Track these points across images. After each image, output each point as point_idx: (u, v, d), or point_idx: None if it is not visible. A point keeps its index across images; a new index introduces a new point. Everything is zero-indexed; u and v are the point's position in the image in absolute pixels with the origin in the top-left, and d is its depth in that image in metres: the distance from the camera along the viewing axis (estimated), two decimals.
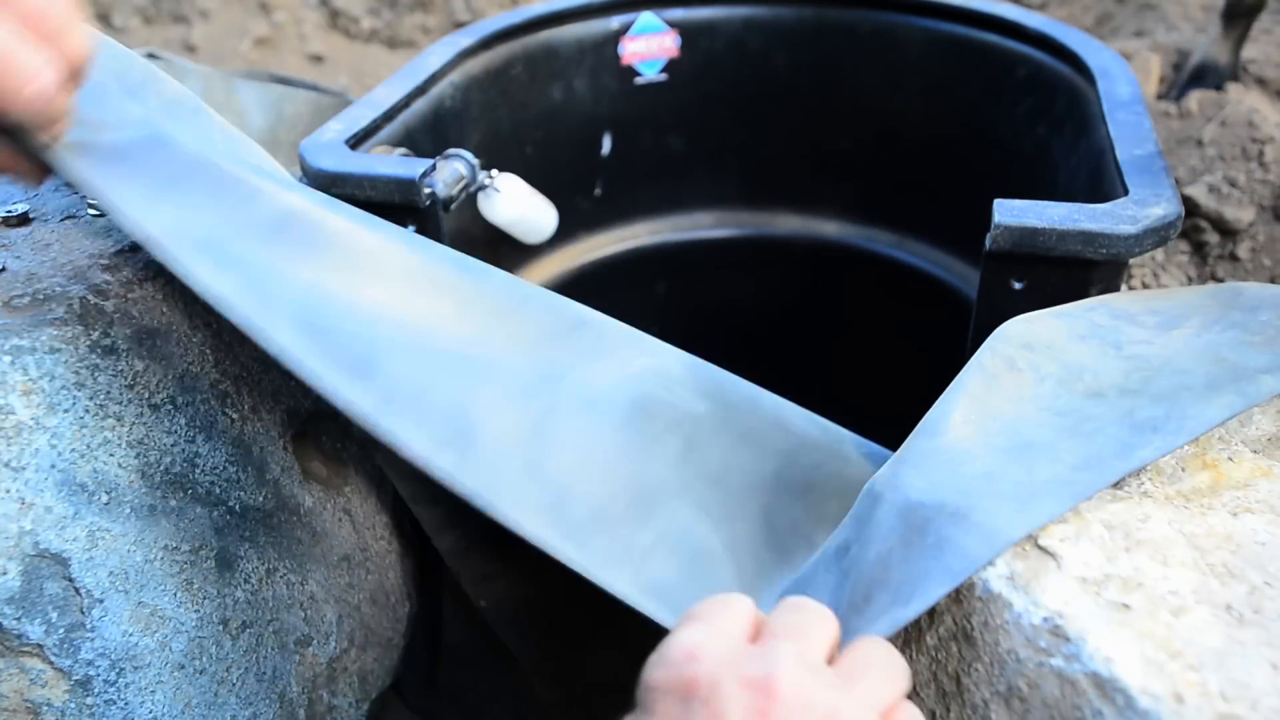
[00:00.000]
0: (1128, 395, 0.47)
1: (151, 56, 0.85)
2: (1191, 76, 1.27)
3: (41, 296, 0.48)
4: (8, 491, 0.44)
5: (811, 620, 0.37)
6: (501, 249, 0.94)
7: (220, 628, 0.53)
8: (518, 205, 0.81)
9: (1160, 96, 1.32)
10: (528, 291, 0.52)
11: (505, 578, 0.71)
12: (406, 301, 0.49)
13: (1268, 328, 0.50)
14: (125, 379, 0.49)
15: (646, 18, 0.99)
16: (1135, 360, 0.50)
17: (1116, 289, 0.59)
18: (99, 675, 0.47)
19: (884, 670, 0.36)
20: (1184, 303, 0.55)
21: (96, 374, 0.48)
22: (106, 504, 0.48)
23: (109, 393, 0.48)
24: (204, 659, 0.52)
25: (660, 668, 0.34)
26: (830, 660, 0.36)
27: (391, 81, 0.79)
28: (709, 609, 0.37)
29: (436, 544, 0.69)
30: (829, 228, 1.09)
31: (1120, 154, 0.64)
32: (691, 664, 0.33)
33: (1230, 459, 0.46)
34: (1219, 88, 1.23)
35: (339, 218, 0.50)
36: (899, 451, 0.47)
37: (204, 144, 0.51)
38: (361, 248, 0.49)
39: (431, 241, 0.53)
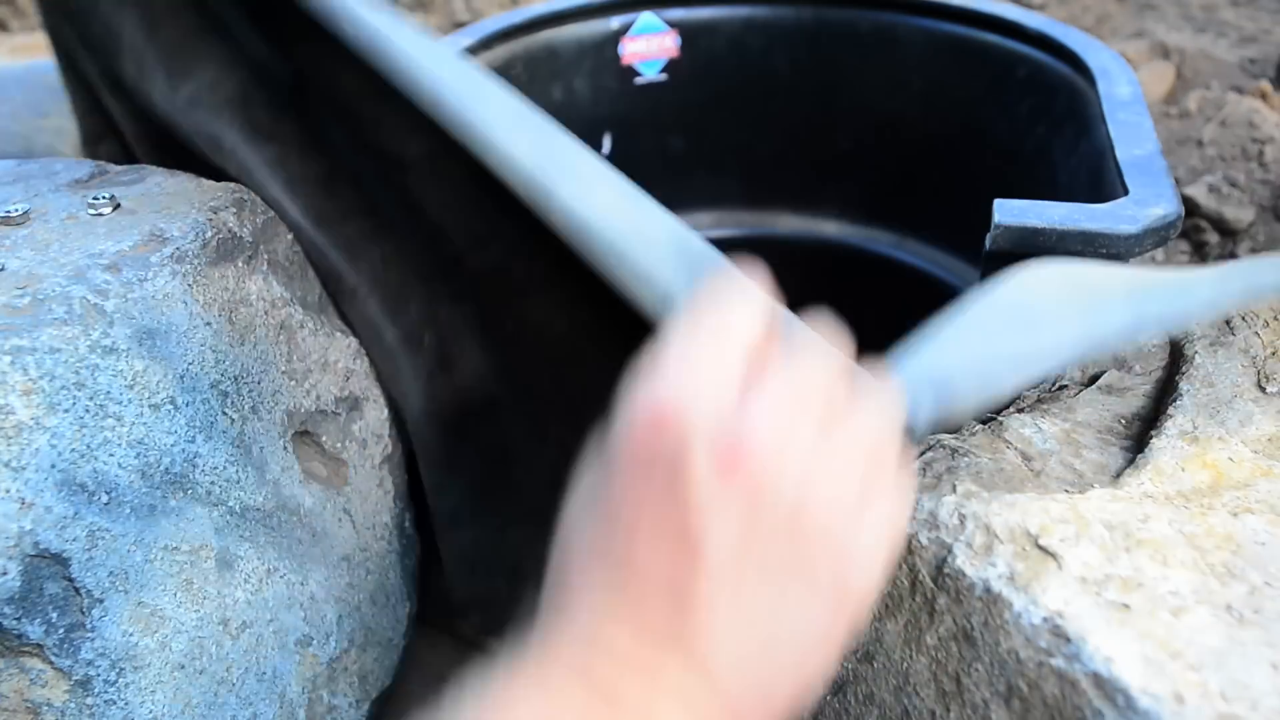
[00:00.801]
0: (1135, 299, 0.47)
1: None
2: None
3: (41, 296, 0.48)
4: (8, 491, 0.44)
5: (820, 352, 0.33)
6: None
7: (220, 628, 0.53)
8: None
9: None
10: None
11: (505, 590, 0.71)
12: None
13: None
14: (125, 379, 0.49)
15: (646, 18, 0.99)
16: (1143, 273, 0.50)
17: None
18: (99, 675, 0.47)
19: (873, 409, 0.32)
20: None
21: (96, 374, 0.48)
22: (106, 504, 0.47)
23: (109, 393, 0.48)
24: (204, 659, 0.52)
25: (627, 428, 0.30)
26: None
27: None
28: (706, 319, 0.31)
29: (441, 543, 0.69)
30: (829, 228, 1.09)
31: (1120, 154, 0.64)
32: (658, 431, 0.29)
33: (1230, 459, 0.46)
34: None
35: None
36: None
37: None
38: None
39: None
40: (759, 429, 0.29)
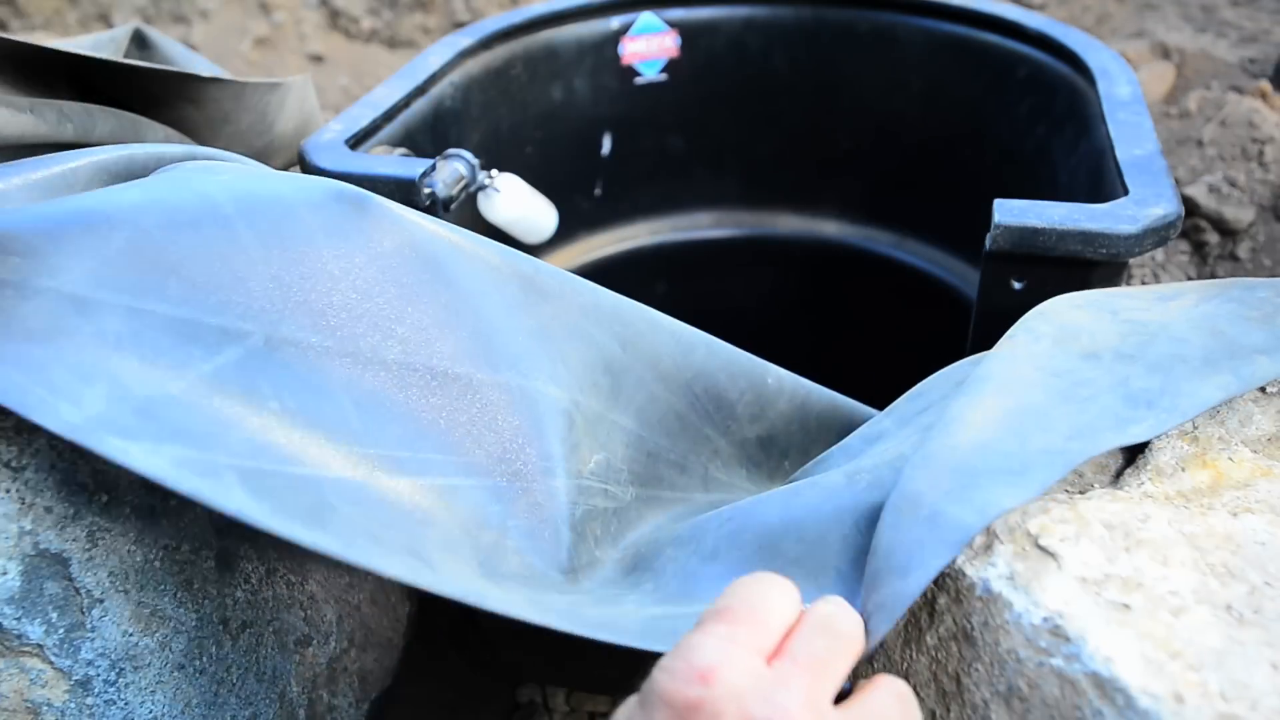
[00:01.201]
0: (1123, 360, 0.47)
1: (139, 38, 0.84)
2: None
3: None
4: (8, 491, 0.44)
5: (838, 649, 0.36)
6: None
7: (220, 628, 0.53)
8: (518, 205, 0.81)
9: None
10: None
11: None
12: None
13: (1265, 304, 0.50)
14: None
15: (646, 18, 0.99)
16: (1131, 324, 0.49)
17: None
18: (99, 675, 0.47)
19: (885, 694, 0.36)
20: (1182, 285, 0.55)
21: None
22: (106, 504, 0.48)
23: None
24: (204, 659, 0.52)
25: (669, 678, 0.33)
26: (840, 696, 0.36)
27: (391, 81, 0.79)
28: (741, 607, 0.35)
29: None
30: (829, 228, 1.09)
31: (1120, 154, 0.64)
32: (699, 687, 0.33)
33: (1230, 459, 0.46)
34: None
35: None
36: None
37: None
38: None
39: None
40: (789, 711, 0.33)
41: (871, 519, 0.44)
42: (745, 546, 0.45)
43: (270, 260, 0.43)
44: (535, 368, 0.49)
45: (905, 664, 0.47)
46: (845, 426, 0.50)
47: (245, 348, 0.42)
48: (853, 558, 0.44)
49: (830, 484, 0.46)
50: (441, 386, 0.46)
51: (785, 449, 0.56)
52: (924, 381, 0.54)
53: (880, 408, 0.57)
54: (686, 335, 0.53)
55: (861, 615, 0.39)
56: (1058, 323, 0.49)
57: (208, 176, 0.45)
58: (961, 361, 0.54)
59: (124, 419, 0.39)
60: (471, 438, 0.46)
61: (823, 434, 0.55)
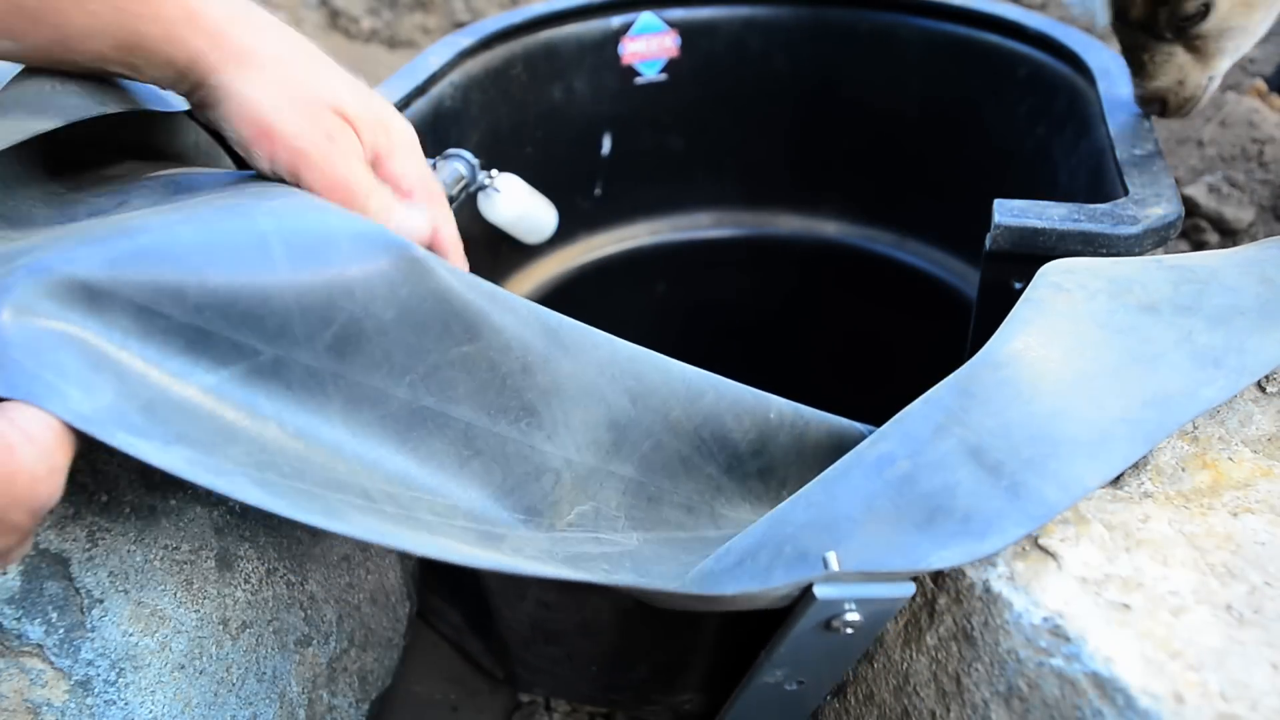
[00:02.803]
0: (1182, 313, 0.47)
1: None
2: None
3: None
4: None
5: None
6: (501, 249, 0.94)
7: (220, 628, 0.53)
8: (518, 205, 0.81)
9: None
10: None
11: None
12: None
13: None
14: None
15: (646, 18, 0.99)
16: (1179, 270, 0.50)
17: None
18: (99, 675, 0.47)
19: None
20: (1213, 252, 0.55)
21: None
22: (106, 504, 0.48)
23: None
24: (204, 659, 0.52)
25: None
26: None
27: (391, 81, 0.79)
28: None
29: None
30: (829, 228, 1.09)
31: (1120, 154, 0.64)
32: None
33: (1230, 459, 0.46)
34: None
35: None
36: (958, 381, 0.46)
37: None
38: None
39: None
40: None
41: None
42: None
43: (298, 285, 0.42)
44: (534, 426, 0.49)
45: (905, 664, 0.47)
46: (840, 450, 0.51)
47: (253, 364, 0.42)
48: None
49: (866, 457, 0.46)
50: (439, 430, 0.46)
51: (784, 479, 0.56)
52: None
53: (880, 408, 0.57)
54: (697, 382, 0.53)
55: (921, 568, 0.39)
56: (1106, 276, 0.49)
57: (258, 201, 0.45)
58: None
59: (131, 416, 0.39)
60: (458, 482, 0.47)
61: (819, 460, 0.55)
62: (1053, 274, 0.50)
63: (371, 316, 0.44)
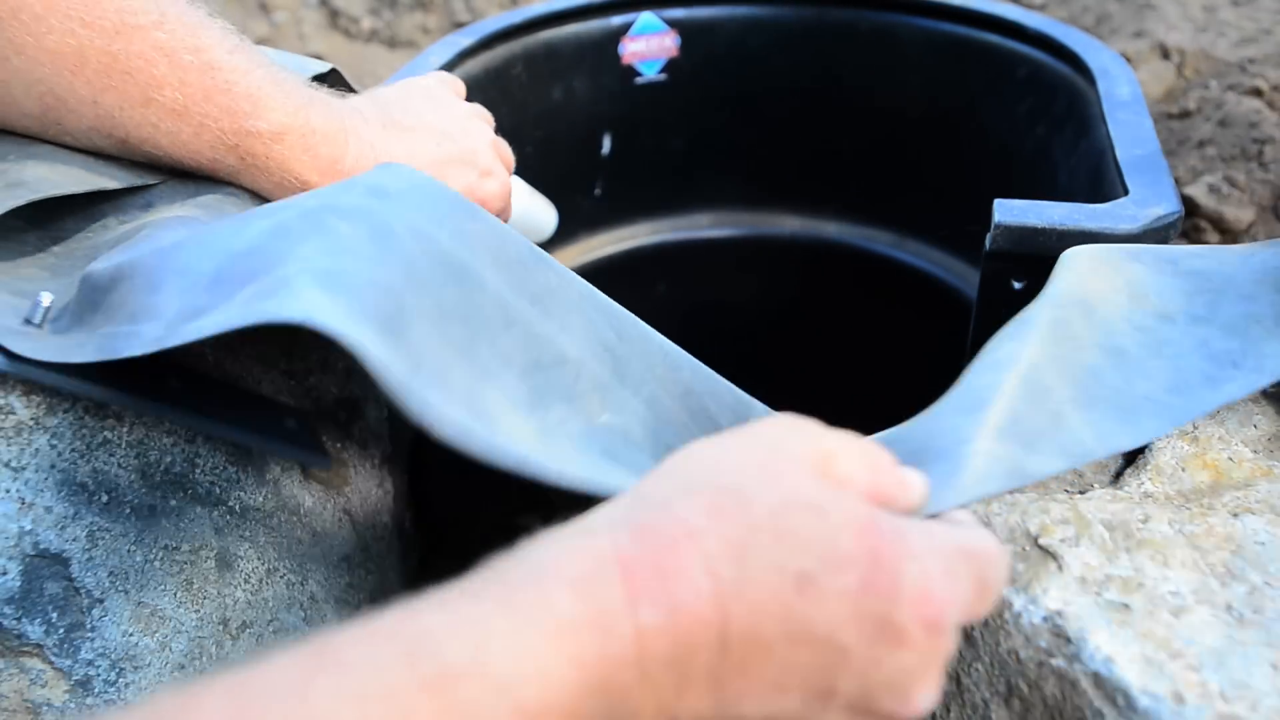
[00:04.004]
0: (1198, 323, 0.48)
1: None
2: None
3: None
4: (8, 491, 0.44)
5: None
6: None
7: (220, 628, 0.53)
8: (518, 205, 0.81)
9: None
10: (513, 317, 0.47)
11: None
12: None
13: None
14: None
15: (646, 18, 0.99)
16: (1194, 278, 0.50)
17: None
18: (99, 675, 0.47)
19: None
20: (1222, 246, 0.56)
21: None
22: (106, 504, 0.48)
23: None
24: (204, 659, 0.52)
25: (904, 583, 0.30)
26: None
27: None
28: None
29: None
30: (829, 228, 1.09)
31: (1120, 154, 0.64)
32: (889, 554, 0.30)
33: (1230, 459, 0.46)
34: None
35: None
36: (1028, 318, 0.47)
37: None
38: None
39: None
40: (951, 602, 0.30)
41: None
42: None
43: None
44: (544, 314, 0.47)
45: None
46: None
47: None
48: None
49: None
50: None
51: None
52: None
53: (880, 408, 0.57)
54: (674, 353, 0.52)
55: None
56: (1123, 278, 0.50)
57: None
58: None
59: (197, 297, 0.40)
60: (502, 359, 0.45)
61: None
62: (1084, 257, 0.51)
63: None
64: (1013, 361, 0.44)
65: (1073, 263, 0.51)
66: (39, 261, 0.49)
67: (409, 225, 0.42)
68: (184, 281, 0.41)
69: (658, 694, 0.27)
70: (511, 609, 0.24)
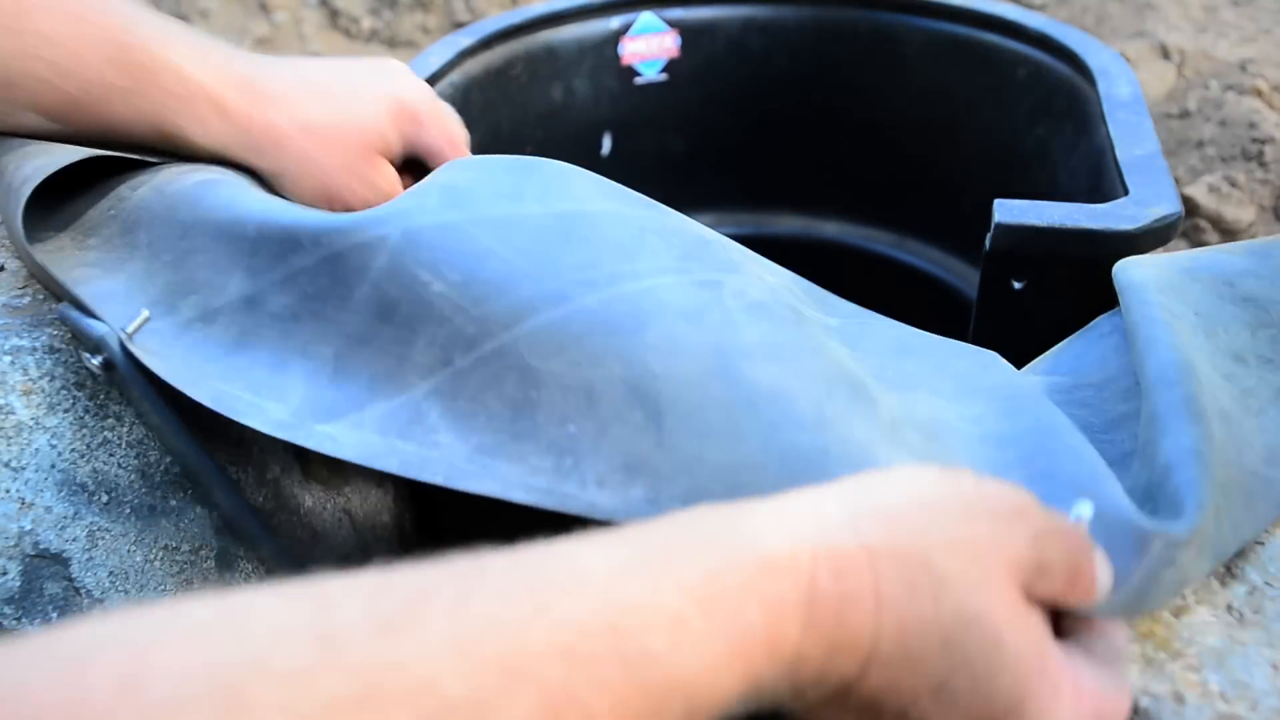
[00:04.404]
0: (1267, 366, 0.45)
1: None
2: None
3: (41, 296, 0.48)
4: (8, 491, 0.44)
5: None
6: None
7: None
8: None
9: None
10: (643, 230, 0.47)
11: None
12: None
13: None
14: None
15: (646, 18, 0.99)
16: (1251, 308, 0.48)
17: None
18: None
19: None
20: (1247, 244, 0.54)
21: (97, 373, 0.48)
22: (106, 504, 0.47)
23: (109, 393, 0.48)
24: None
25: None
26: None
27: None
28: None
29: None
30: (829, 228, 1.09)
31: (1120, 154, 0.64)
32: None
33: None
34: None
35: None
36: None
37: None
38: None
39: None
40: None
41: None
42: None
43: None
44: (668, 210, 0.49)
45: None
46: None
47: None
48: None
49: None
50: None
51: None
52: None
53: None
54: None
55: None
56: (1191, 305, 0.48)
57: None
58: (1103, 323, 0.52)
59: (325, 396, 0.42)
60: (653, 254, 0.45)
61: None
62: (1154, 290, 0.48)
63: None
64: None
65: (1145, 296, 0.47)
66: (83, 259, 0.49)
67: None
68: (308, 366, 0.43)
69: (777, 700, 0.29)
70: (709, 616, 0.26)
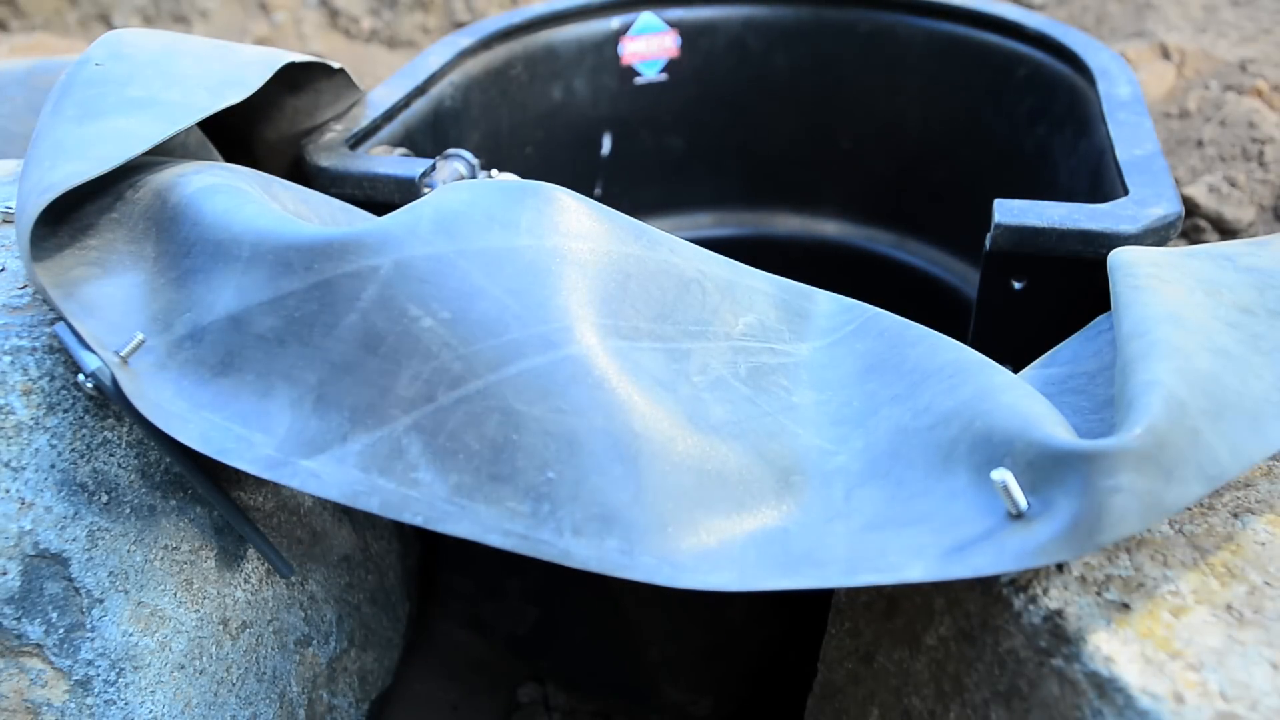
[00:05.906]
0: (1278, 317, 0.46)
1: None
2: None
3: (41, 297, 0.48)
4: (8, 491, 0.44)
5: None
6: None
7: (220, 628, 0.53)
8: None
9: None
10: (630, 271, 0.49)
11: None
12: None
13: None
14: None
15: (646, 18, 0.99)
16: (1256, 274, 0.49)
17: None
18: (99, 675, 0.47)
19: None
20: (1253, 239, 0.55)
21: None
22: (106, 504, 0.48)
23: None
24: (204, 659, 0.52)
25: None
26: None
27: (391, 81, 0.79)
28: None
29: None
30: (829, 228, 1.09)
31: (1120, 154, 0.64)
32: None
33: None
34: None
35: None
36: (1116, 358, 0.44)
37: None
38: None
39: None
40: None
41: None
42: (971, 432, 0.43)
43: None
44: (654, 242, 0.49)
45: (905, 664, 0.47)
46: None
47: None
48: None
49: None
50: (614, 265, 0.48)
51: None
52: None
53: None
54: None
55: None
56: (1191, 276, 0.48)
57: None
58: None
59: (308, 426, 0.42)
60: (633, 308, 0.47)
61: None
62: (1145, 264, 0.49)
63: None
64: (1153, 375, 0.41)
65: (1133, 270, 0.48)
66: (83, 259, 0.49)
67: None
68: (293, 393, 0.44)
69: None
70: None
